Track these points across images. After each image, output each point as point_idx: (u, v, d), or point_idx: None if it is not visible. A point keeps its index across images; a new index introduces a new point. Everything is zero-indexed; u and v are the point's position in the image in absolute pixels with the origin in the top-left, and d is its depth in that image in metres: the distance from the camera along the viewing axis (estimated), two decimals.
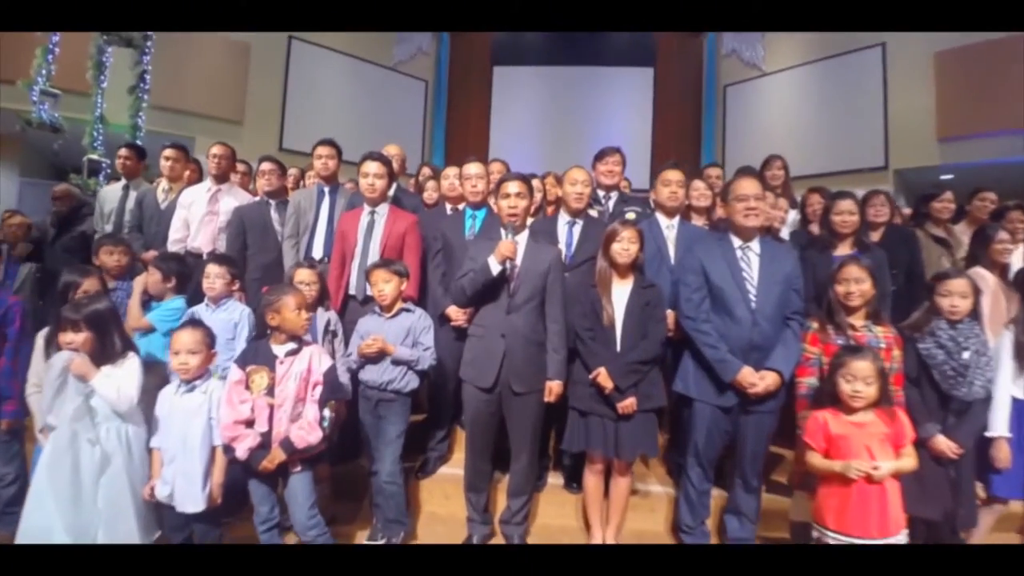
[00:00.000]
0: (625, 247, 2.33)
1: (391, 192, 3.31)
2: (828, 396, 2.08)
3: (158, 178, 4.03)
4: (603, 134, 7.38)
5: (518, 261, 2.32)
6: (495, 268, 2.25)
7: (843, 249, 2.89)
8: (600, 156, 3.16)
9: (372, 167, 2.90)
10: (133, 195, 3.93)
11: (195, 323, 2.20)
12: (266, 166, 3.58)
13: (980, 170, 6.51)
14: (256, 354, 2.15)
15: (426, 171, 4.24)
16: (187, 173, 4.09)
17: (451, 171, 3.16)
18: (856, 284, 2.31)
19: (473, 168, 2.87)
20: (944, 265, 3.39)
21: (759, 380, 2.24)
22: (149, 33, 5.47)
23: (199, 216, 3.60)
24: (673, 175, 2.76)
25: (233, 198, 3.67)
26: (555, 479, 2.89)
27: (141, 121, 5.47)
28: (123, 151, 4.11)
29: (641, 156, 7.72)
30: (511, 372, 2.30)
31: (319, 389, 2.12)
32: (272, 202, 3.56)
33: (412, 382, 2.49)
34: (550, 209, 3.48)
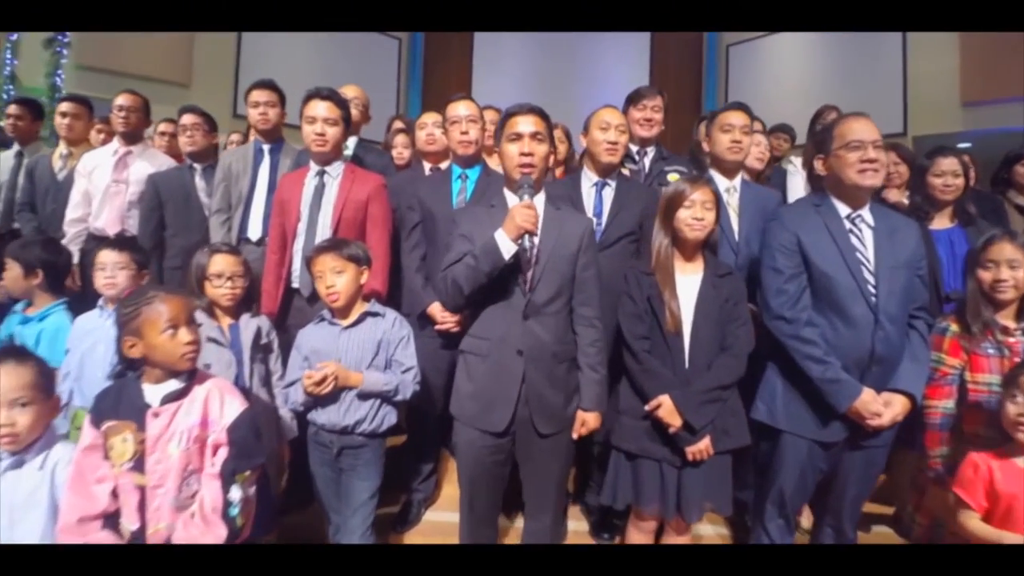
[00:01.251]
0: (699, 216, 1.56)
1: (348, 146, 2.47)
2: (992, 433, 1.38)
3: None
4: (595, 103, 6.54)
5: (536, 238, 1.51)
6: (508, 248, 1.44)
7: (941, 222, 2.21)
8: (635, 98, 2.35)
9: (319, 108, 2.04)
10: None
11: (17, 353, 1.30)
12: (187, 119, 2.69)
13: (1003, 138, 5.86)
14: (118, 401, 1.28)
15: (398, 124, 3.30)
16: (94, 134, 3.18)
17: (428, 117, 2.31)
18: (1010, 269, 1.59)
19: (462, 107, 2.03)
20: None
21: (884, 408, 1.51)
22: None
23: (102, 187, 2.71)
24: (737, 117, 1.98)
25: (148, 163, 2.78)
26: (577, 524, 2.14)
27: (60, 81, 4.50)
28: (12, 108, 3.15)
29: None
30: (535, 407, 1.52)
31: (222, 454, 1.27)
32: (197, 167, 2.69)
33: (389, 418, 1.70)
34: (559, 171, 2.67)
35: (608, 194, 1.95)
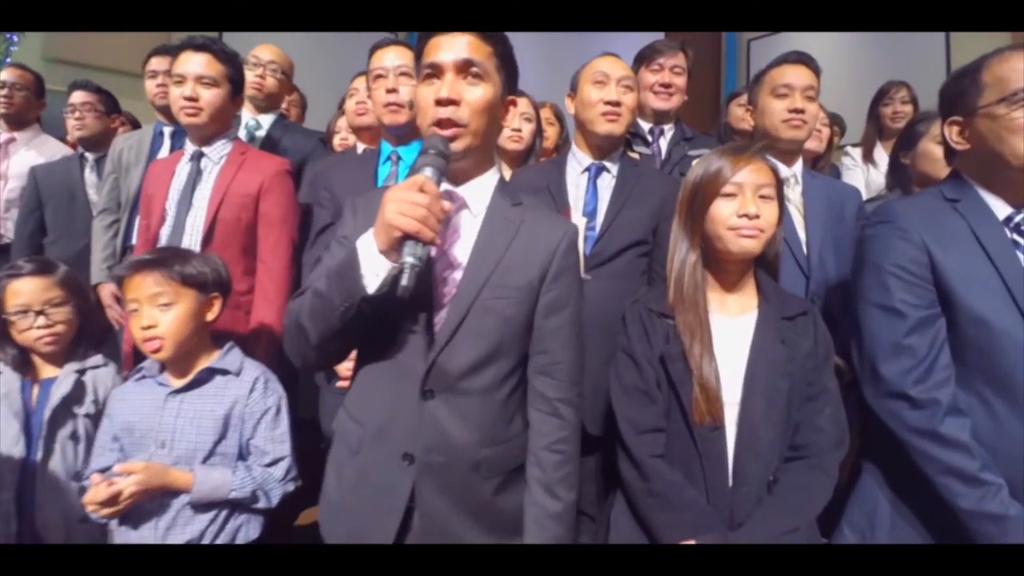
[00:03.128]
0: (750, 211, 0.87)
1: (261, 124, 1.82)
2: None
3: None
4: None
5: (460, 253, 0.84)
6: (375, 268, 0.75)
7: None
8: (648, 56, 1.68)
9: (192, 63, 1.39)
10: None
11: None
12: (77, 96, 2.08)
13: None
14: None
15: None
16: None
17: (360, 82, 1.64)
18: None
19: (391, 56, 1.34)
20: None
21: None
22: None
23: None
24: (798, 74, 1.28)
25: (36, 152, 2.17)
26: None
27: (7, 64, 3.94)
28: None
29: None
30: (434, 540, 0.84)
31: None
32: (90, 157, 2.07)
33: (246, 530, 1.05)
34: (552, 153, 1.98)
35: (606, 184, 1.27)
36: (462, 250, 0.84)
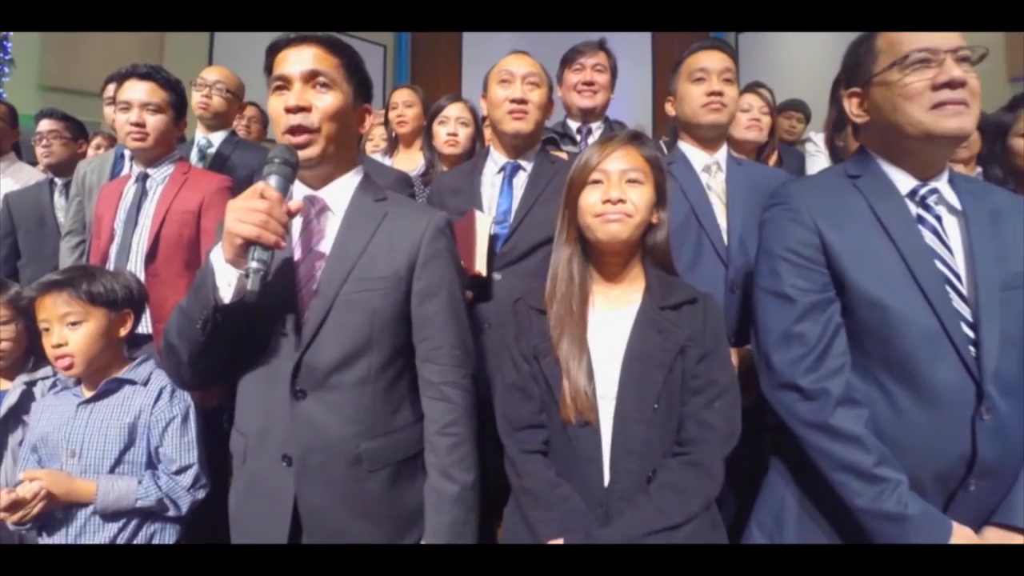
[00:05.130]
0: (615, 196, 0.81)
1: (211, 144, 1.83)
2: None
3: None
4: None
5: (321, 252, 0.82)
6: (227, 278, 0.74)
7: None
8: (569, 59, 1.63)
9: (136, 90, 1.42)
10: None
11: None
12: (44, 125, 2.13)
13: None
14: None
15: None
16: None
17: None
18: None
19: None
20: None
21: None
22: None
23: None
24: (713, 60, 1.21)
25: (11, 179, 2.22)
26: None
27: (3, 97, 4.06)
28: None
29: (642, 127, 6.11)
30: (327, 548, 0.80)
31: None
32: (58, 182, 2.11)
33: (161, 535, 1.04)
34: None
35: (520, 182, 1.22)
36: (326, 249, 0.82)
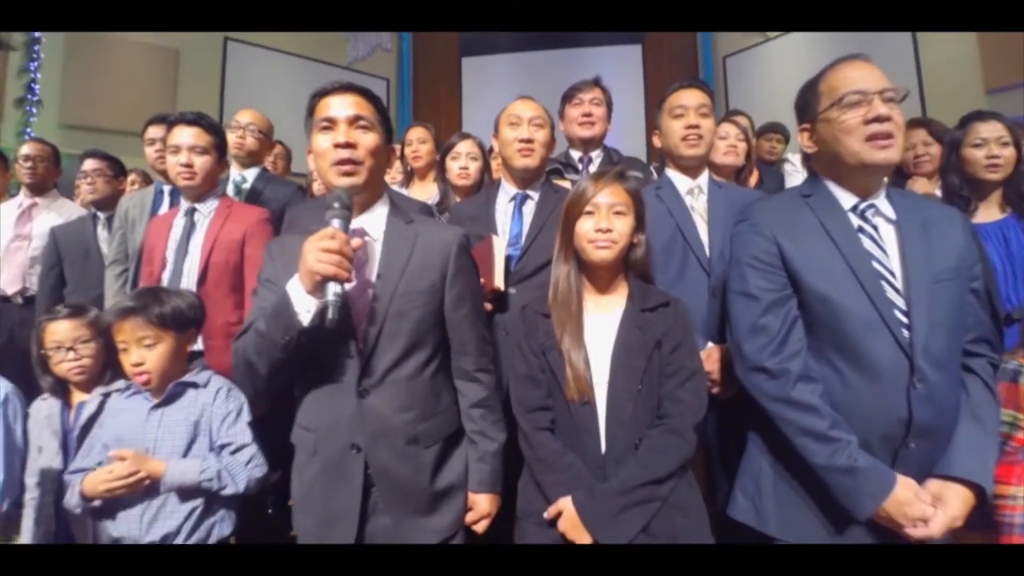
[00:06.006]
0: (603, 226, 1.02)
1: (245, 179, 2.04)
2: None
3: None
4: None
5: (371, 274, 1.01)
6: (305, 305, 0.92)
7: (988, 212, 1.63)
8: (569, 96, 1.86)
9: (184, 135, 1.63)
10: None
11: None
12: (88, 164, 2.34)
13: None
14: None
15: None
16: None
17: None
18: None
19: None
20: None
21: (931, 508, 0.91)
22: (34, 35, 4.35)
23: (4, 242, 2.37)
24: (691, 97, 1.44)
25: (55, 214, 2.43)
26: None
27: (31, 136, 4.32)
28: None
29: (635, 144, 6.36)
30: (395, 514, 0.99)
31: None
32: (101, 216, 2.32)
33: (221, 526, 1.20)
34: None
35: (529, 209, 1.43)
36: (371, 269, 1.01)
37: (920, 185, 2.03)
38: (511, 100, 1.44)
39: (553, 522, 0.99)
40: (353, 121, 0.99)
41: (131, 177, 2.63)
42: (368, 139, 1.00)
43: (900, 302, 0.98)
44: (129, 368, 1.19)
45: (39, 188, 2.45)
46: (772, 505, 1.03)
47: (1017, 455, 1.03)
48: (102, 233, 2.29)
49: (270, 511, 1.89)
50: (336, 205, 0.93)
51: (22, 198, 2.44)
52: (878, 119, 0.99)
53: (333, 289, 0.88)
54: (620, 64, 6.84)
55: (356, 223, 1.01)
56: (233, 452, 1.19)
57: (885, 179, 1.09)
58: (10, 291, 2.32)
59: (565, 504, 0.97)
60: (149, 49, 5.51)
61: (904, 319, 0.96)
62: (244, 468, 1.19)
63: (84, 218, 2.34)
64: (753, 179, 2.22)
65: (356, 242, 0.95)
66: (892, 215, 1.04)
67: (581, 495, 0.96)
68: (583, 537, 0.94)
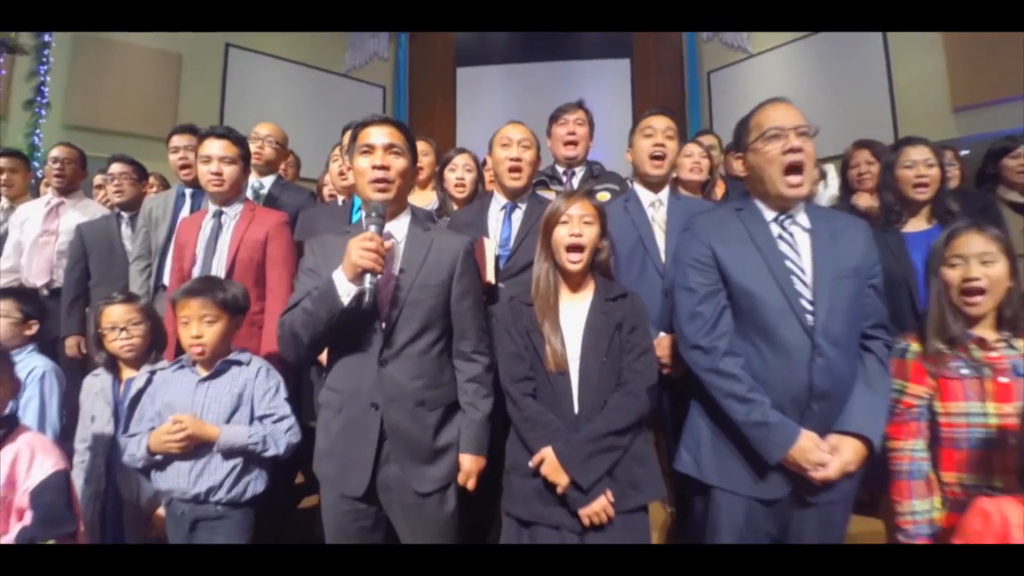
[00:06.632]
0: (575, 232, 1.29)
1: (264, 185, 2.29)
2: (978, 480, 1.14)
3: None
4: None
5: (395, 268, 1.28)
6: (346, 291, 1.18)
7: (918, 223, 1.89)
8: (556, 116, 2.14)
9: (214, 147, 1.88)
10: None
11: None
12: (115, 168, 2.58)
13: (1001, 142, 5.47)
14: None
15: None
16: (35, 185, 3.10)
17: (338, 151, 2.13)
18: (984, 266, 1.27)
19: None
20: None
21: (829, 455, 1.19)
22: (45, 39, 4.56)
23: (32, 237, 2.60)
24: (658, 121, 1.73)
25: (80, 213, 2.66)
26: None
27: (39, 140, 4.53)
28: None
29: (622, 155, 6.70)
30: (402, 463, 1.25)
31: (26, 519, 1.10)
32: (124, 215, 2.55)
33: (255, 483, 1.44)
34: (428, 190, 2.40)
35: (517, 217, 1.71)
36: (395, 266, 1.28)
37: (863, 199, 2.33)
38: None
39: (536, 472, 1.25)
40: (388, 148, 1.27)
41: (150, 180, 2.87)
42: (399, 163, 1.28)
43: (808, 294, 1.25)
44: (188, 340, 1.44)
45: (66, 189, 2.68)
46: (709, 458, 1.30)
47: (904, 416, 1.31)
48: (125, 231, 2.52)
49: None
50: (373, 214, 1.20)
51: (50, 197, 2.67)
52: (792, 150, 1.27)
53: (369, 279, 1.16)
54: (609, 77, 7.18)
55: (385, 228, 1.27)
56: (275, 421, 1.44)
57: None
58: (39, 283, 2.54)
59: (547, 452, 1.23)
60: (152, 53, 5.73)
61: (810, 307, 1.24)
62: (284, 435, 1.44)
63: (108, 216, 2.58)
64: (720, 191, 2.51)
65: (388, 243, 1.21)
66: (808, 225, 1.32)
67: (559, 445, 1.23)
68: (562, 478, 1.21)
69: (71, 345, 2.40)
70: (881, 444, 1.27)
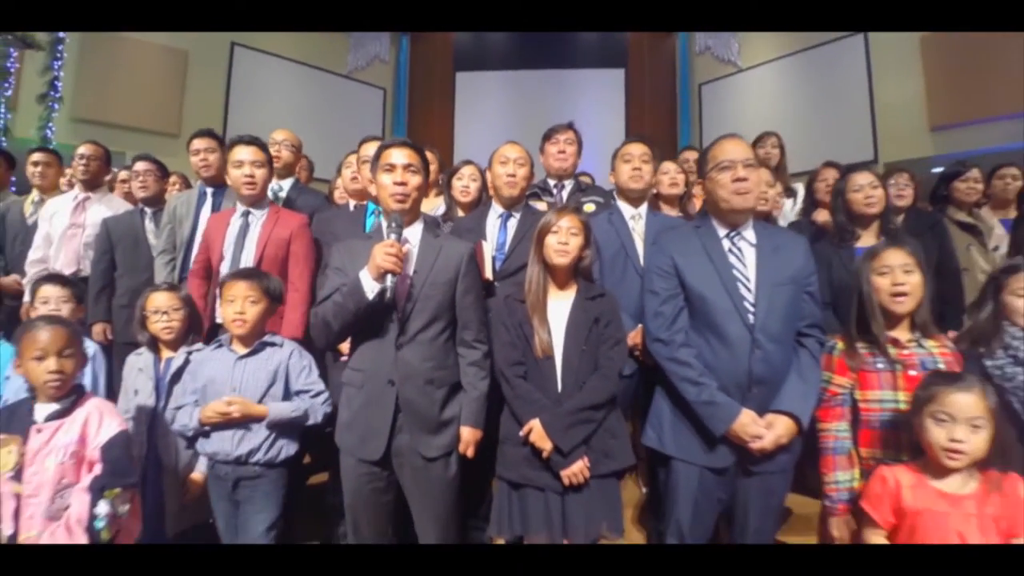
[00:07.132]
0: (564, 241, 1.57)
1: (281, 188, 2.55)
2: (889, 455, 1.42)
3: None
4: None
5: (410, 269, 1.55)
6: (371, 288, 1.45)
7: (868, 239, 2.16)
8: (548, 135, 2.42)
9: (246, 153, 2.14)
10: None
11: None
12: (140, 166, 2.80)
13: (975, 160, 5.83)
14: (11, 417, 1.38)
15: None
16: (63, 181, 3.31)
17: (352, 158, 2.39)
18: (905, 274, 1.56)
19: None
20: (975, 257, 2.72)
21: (765, 430, 1.47)
22: (59, 35, 4.76)
23: (60, 230, 2.83)
24: (635, 148, 2.02)
25: (105, 207, 2.89)
26: None
27: (51, 133, 4.73)
28: None
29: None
30: (412, 433, 1.52)
31: (96, 471, 1.36)
32: (148, 211, 2.78)
33: (287, 448, 1.70)
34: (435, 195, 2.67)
35: (512, 225, 1.98)
36: (410, 266, 1.55)
37: (822, 215, 2.64)
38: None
39: (525, 441, 1.52)
40: (407, 167, 1.54)
41: (172, 179, 3.11)
42: (415, 180, 1.55)
43: (750, 297, 1.54)
44: (231, 315, 1.68)
45: (92, 184, 2.91)
46: (669, 433, 1.58)
47: (831, 402, 1.59)
48: (149, 225, 2.74)
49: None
50: (393, 224, 1.49)
51: (77, 192, 2.90)
52: (739, 179, 1.56)
53: (389, 278, 1.44)
54: (603, 86, 7.49)
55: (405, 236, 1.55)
56: (313, 396, 1.71)
57: (751, 218, 1.66)
58: (66, 272, 2.76)
59: (534, 423, 1.51)
60: (159, 49, 5.94)
61: (752, 309, 1.52)
62: (321, 407, 1.71)
63: (133, 212, 2.81)
64: (699, 202, 2.80)
65: (405, 248, 1.49)
66: (754, 240, 1.61)
67: (545, 416, 1.51)
68: (547, 444, 1.49)
69: (98, 331, 2.62)
70: (811, 426, 1.56)
